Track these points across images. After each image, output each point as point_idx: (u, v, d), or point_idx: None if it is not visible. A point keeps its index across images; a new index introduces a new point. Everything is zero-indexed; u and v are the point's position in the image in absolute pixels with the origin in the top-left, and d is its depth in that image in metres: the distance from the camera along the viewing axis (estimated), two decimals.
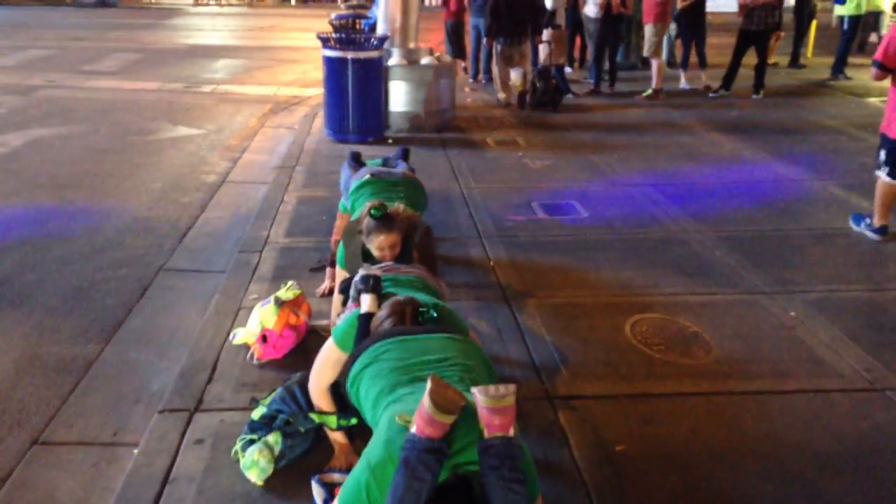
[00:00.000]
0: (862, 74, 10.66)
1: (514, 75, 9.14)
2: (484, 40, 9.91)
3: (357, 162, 4.08)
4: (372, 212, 3.06)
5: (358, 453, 2.08)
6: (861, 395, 3.13)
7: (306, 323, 3.50)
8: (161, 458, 2.68)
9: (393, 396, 2.06)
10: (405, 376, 2.11)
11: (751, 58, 9.75)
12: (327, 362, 2.50)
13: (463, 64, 11.51)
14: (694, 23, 10.36)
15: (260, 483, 2.53)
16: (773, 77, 10.85)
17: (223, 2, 30.34)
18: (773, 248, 4.72)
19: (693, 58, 10.59)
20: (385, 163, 4.07)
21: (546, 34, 9.27)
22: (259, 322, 3.34)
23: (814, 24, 12.85)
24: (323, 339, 2.57)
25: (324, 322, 3.52)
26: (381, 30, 7.95)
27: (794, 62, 12.42)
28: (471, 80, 11.21)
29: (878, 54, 4.62)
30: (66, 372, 3.48)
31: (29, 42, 15.40)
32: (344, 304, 2.81)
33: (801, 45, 12.50)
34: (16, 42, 15.33)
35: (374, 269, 2.74)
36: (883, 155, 4.82)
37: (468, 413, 1.90)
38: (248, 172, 6.70)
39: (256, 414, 2.74)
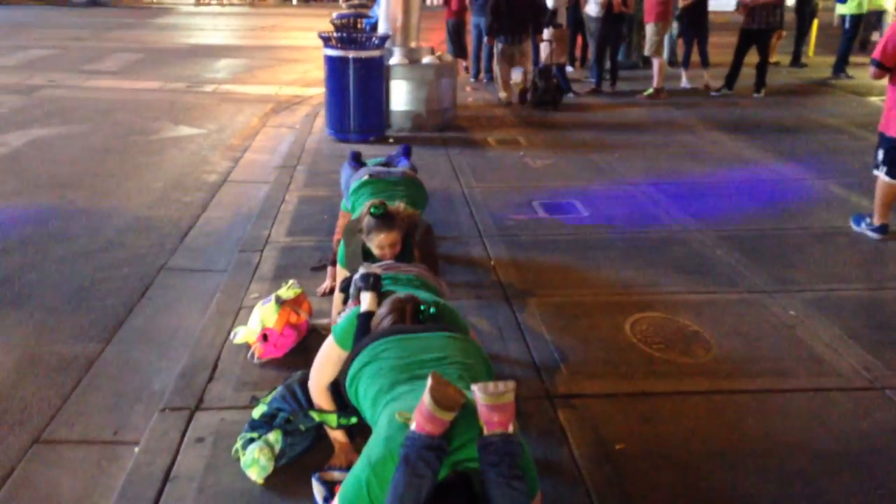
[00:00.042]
0: (863, 73, 10.58)
1: (516, 74, 9.14)
2: (485, 39, 9.90)
3: (357, 161, 4.09)
4: (372, 210, 3.07)
5: (358, 451, 2.08)
6: (861, 394, 3.13)
7: (307, 322, 3.51)
8: (162, 456, 2.69)
9: (392, 395, 2.07)
10: (404, 375, 2.11)
11: (752, 57, 9.74)
12: (327, 361, 2.50)
13: (464, 63, 11.49)
14: (696, 22, 10.36)
15: (260, 481, 2.54)
16: (775, 76, 10.85)
17: (224, 1, 30.32)
18: (774, 247, 4.72)
19: (695, 57, 10.58)
20: (387, 161, 4.07)
21: (547, 33, 9.26)
22: (260, 321, 3.35)
23: (815, 22, 12.84)
24: (323, 338, 2.57)
25: (325, 321, 3.52)
26: (382, 29, 7.95)
27: (796, 61, 12.41)
28: (472, 80, 11.20)
29: (877, 53, 4.62)
30: (67, 371, 3.49)
31: (29, 42, 15.39)
32: (345, 302, 2.81)
33: (802, 43, 12.49)
34: (16, 42, 15.32)
35: (374, 268, 2.74)
36: (881, 154, 4.81)
37: (468, 410, 1.90)
38: (249, 172, 6.70)
39: (257, 412, 2.74)
